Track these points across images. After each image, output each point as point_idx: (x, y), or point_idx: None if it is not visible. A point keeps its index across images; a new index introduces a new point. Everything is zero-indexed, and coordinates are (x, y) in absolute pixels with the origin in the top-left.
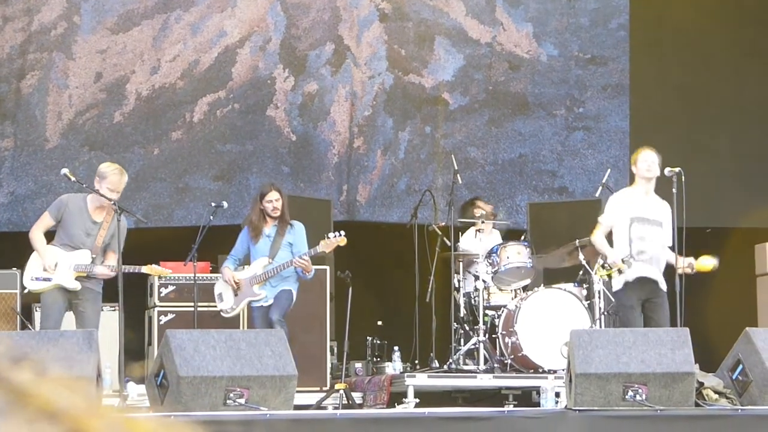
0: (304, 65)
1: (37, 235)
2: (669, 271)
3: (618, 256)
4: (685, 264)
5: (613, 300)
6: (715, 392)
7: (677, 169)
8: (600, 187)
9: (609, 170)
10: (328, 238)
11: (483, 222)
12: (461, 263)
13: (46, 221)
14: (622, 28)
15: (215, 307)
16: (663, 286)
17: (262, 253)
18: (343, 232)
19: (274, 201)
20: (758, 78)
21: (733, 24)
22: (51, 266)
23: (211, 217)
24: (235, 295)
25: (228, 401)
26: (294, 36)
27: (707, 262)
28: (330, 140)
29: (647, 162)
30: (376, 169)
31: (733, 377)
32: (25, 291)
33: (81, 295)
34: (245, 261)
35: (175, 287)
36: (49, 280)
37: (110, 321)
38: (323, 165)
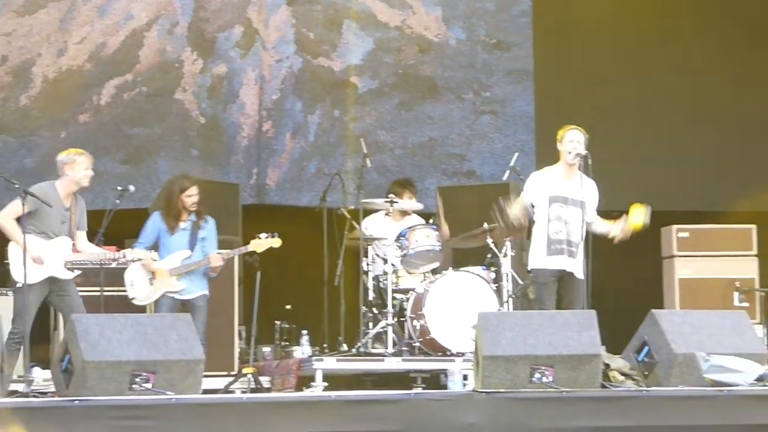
0: (212, 48)
1: (12, 225)
2: (596, 242)
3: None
4: (618, 231)
5: (521, 283)
6: (622, 374)
7: (584, 152)
8: (508, 171)
9: (517, 154)
10: (260, 237)
11: (392, 209)
12: (369, 246)
13: (16, 210)
14: (525, 14)
15: (124, 292)
16: (578, 274)
17: (179, 245)
18: (276, 234)
19: (194, 196)
20: (663, 63)
21: (638, 9)
22: (39, 258)
23: (118, 201)
24: (151, 284)
25: (134, 386)
26: (202, 18)
27: (637, 219)
28: (239, 123)
29: (573, 141)
30: (285, 153)
31: (639, 359)
32: (17, 286)
33: (67, 284)
34: (153, 249)
35: (81, 271)
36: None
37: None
38: (232, 148)
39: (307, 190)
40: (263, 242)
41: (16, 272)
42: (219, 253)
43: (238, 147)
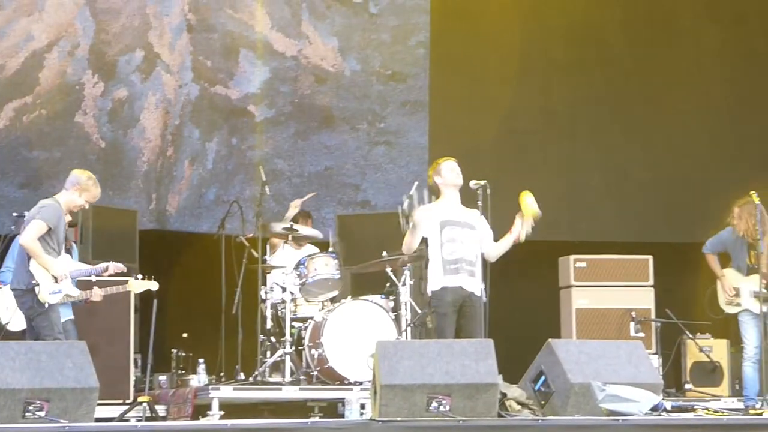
0: (113, 71)
1: (39, 246)
2: (494, 271)
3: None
4: (517, 231)
5: (419, 312)
6: (518, 403)
7: (483, 182)
8: (407, 200)
9: (416, 183)
10: (137, 278)
11: (291, 237)
12: (268, 275)
13: (42, 229)
14: (422, 45)
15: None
16: (478, 292)
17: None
18: (153, 277)
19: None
20: (559, 94)
21: (536, 43)
22: (61, 276)
23: (12, 227)
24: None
25: (27, 414)
26: (103, 41)
27: (532, 203)
28: (140, 147)
29: (454, 171)
30: (184, 179)
31: (536, 388)
32: (46, 306)
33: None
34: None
35: None
36: (59, 291)
37: None
38: (132, 173)
39: (206, 217)
40: (141, 284)
41: (43, 293)
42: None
43: (138, 172)
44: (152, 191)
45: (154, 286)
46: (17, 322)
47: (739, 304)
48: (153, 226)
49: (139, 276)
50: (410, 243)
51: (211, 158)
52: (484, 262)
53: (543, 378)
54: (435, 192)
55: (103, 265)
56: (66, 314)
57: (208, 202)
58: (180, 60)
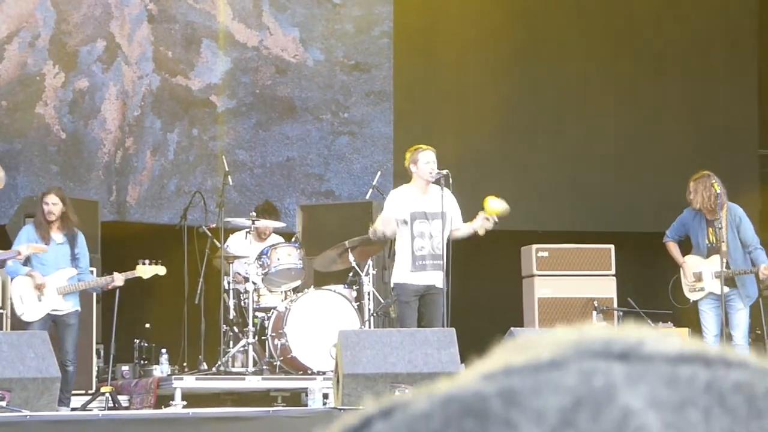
0: (74, 61)
1: None
2: (456, 260)
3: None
4: (478, 225)
5: (382, 302)
6: None
7: (445, 171)
8: (371, 190)
9: (379, 173)
10: (144, 263)
11: (253, 228)
12: (231, 265)
13: None
14: (385, 35)
15: None
16: (440, 284)
17: (55, 260)
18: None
19: (50, 204)
20: (524, 83)
21: (501, 30)
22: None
23: None
24: (39, 300)
25: None
26: (64, 31)
27: (495, 205)
28: (100, 138)
29: (429, 164)
30: (145, 170)
31: None
32: None
33: None
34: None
35: None
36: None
37: None
38: (93, 164)
39: (167, 207)
40: (148, 269)
41: None
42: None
43: (99, 163)
44: (112, 183)
45: (161, 270)
46: (31, 313)
47: (702, 289)
48: (113, 218)
49: (146, 261)
50: (382, 229)
51: (172, 149)
52: (448, 250)
53: None
54: (405, 177)
55: (108, 277)
56: (74, 305)
57: (169, 193)
58: (140, 51)
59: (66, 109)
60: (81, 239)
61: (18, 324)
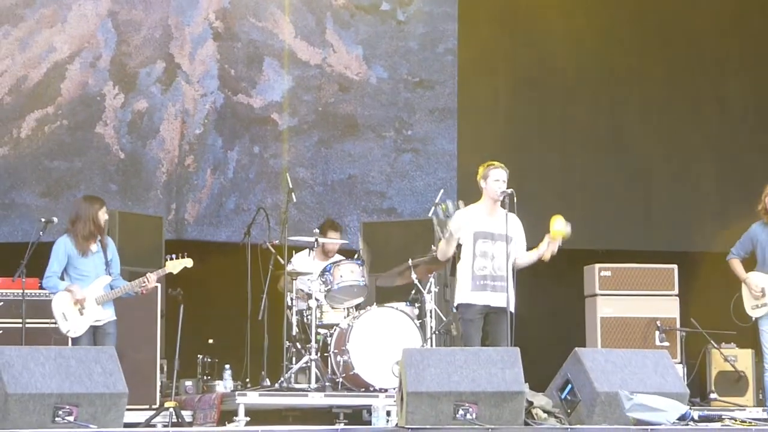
0: (134, 82)
1: None
2: (520, 279)
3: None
4: (543, 250)
5: (444, 319)
6: (544, 411)
7: (510, 190)
8: (433, 207)
9: (442, 191)
10: (171, 259)
11: (318, 245)
12: (294, 281)
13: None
14: (450, 52)
15: (46, 323)
16: (503, 304)
17: (93, 269)
18: (186, 254)
19: (106, 214)
20: (585, 102)
21: (563, 50)
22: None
23: (41, 233)
24: (81, 314)
25: (57, 419)
26: (125, 53)
27: (558, 226)
28: (159, 158)
29: (498, 182)
30: (205, 188)
31: (562, 397)
32: None
33: None
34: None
35: (2, 303)
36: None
37: None
38: (151, 183)
39: (225, 225)
40: (176, 263)
41: None
42: (153, 273)
43: (157, 182)
44: (171, 201)
45: (189, 263)
46: (77, 328)
47: (765, 304)
48: (171, 236)
49: (173, 256)
50: (446, 250)
51: (232, 167)
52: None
53: (570, 386)
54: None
55: (141, 279)
56: (111, 314)
57: (228, 211)
58: (202, 69)
59: (125, 129)
60: (112, 245)
61: (61, 341)
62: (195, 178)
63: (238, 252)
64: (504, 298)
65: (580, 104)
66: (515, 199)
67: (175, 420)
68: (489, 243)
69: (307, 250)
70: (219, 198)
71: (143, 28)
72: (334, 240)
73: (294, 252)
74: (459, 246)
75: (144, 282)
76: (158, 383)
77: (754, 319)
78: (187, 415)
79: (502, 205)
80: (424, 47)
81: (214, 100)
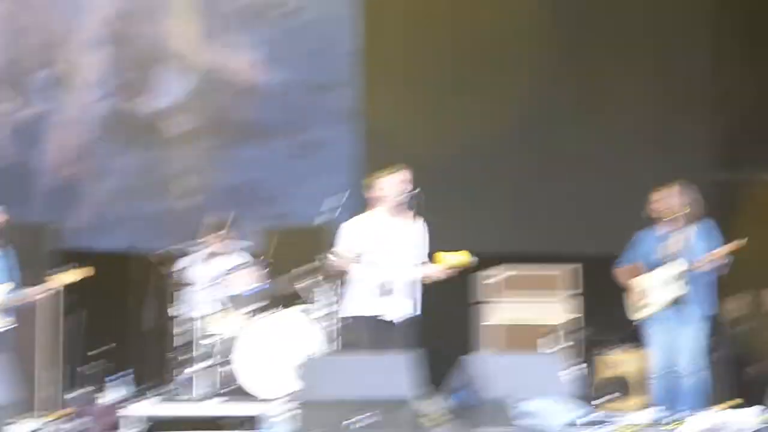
0: (22, 89)
1: None
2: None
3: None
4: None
5: (337, 327)
6: (435, 418)
7: (416, 191)
8: (330, 214)
9: (341, 195)
10: (64, 270)
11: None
12: (185, 289)
13: None
14: (351, 54)
15: None
16: (398, 312)
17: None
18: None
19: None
20: (488, 105)
21: (468, 48)
22: None
23: None
24: None
25: None
26: (12, 59)
27: (461, 261)
28: (46, 166)
29: (401, 183)
30: (93, 196)
31: (452, 403)
32: None
33: None
34: None
35: None
36: None
37: None
38: (39, 191)
39: (112, 233)
40: (67, 274)
41: None
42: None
43: (45, 190)
44: (59, 209)
45: (80, 274)
46: None
47: (647, 305)
48: (57, 245)
49: (65, 267)
50: (339, 263)
51: (121, 174)
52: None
53: (460, 393)
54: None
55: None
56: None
57: (116, 219)
58: (92, 75)
59: (13, 136)
60: (12, 253)
61: None
62: (82, 185)
63: (126, 260)
64: (397, 306)
65: (483, 104)
66: (423, 199)
67: (69, 429)
68: (386, 250)
69: (198, 256)
70: (107, 206)
71: (31, 33)
72: (225, 246)
73: (183, 259)
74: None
75: (42, 289)
76: (53, 392)
77: (637, 321)
78: (79, 424)
79: (408, 207)
80: (324, 49)
81: (104, 106)
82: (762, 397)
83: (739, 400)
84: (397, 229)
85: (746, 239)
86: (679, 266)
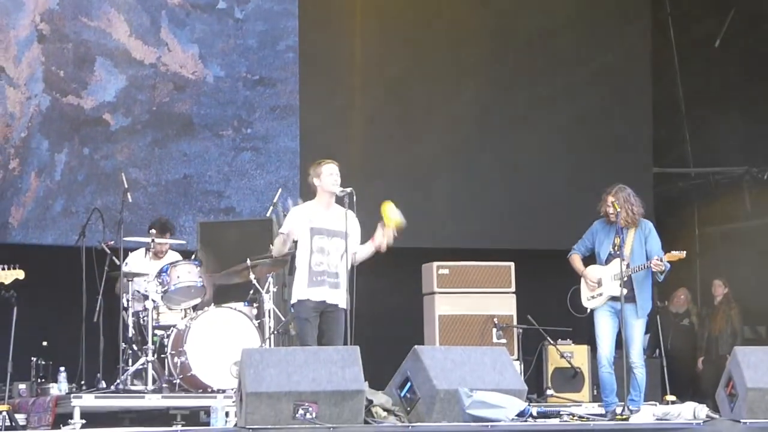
0: None
1: None
2: (358, 277)
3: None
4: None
5: (283, 319)
6: (384, 410)
7: (349, 189)
8: (271, 207)
9: (280, 190)
10: (3, 269)
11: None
12: (130, 283)
13: None
14: (291, 50)
15: None
16: (342, 304)
17: None
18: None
19: None
20: (426, 101)
21: (404, 46)
22: None
23: None
24: None
25: None
26: None
27: (393, 213)
28: None
29: (333, 176)
30: (30, 191)
31: (402, 395)
32: None
33: None
34: None
35: None
36: None
37: None
38: None
39: (52, 228)
40: (7, 273)
41: None
42: None
43: None
44: None
45: (20, 274)
46: None
47: (601, 294)
48: None
49: (3, 267)
50: (281, 249)
51: (59, 169)
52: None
53: (409, 384)
54: (311, 193)
55: None
56: None
57: (55, 214)
58: (28, 72)
59: None
60: None
61: None
62: (19, 181)
63: (69, 254)
64: (340, 294)
65: (420, 101)
66: (354, 198)
67: (9, 424)
68: (325, 239)
69: (143, 250)
70: (45, 201)
71: None
72: (163, 240)
73: (129, 253)
74: (296, 242)
75: None
76: None
77: (589, 310)
78: (20, 418)
79: (342, 204)
80: (263, 45)
81: (39, 102)
82: (708, 390)
83: (683, 393)
84: (331, 218)
85: (684, 253)
86: (620, 266)
